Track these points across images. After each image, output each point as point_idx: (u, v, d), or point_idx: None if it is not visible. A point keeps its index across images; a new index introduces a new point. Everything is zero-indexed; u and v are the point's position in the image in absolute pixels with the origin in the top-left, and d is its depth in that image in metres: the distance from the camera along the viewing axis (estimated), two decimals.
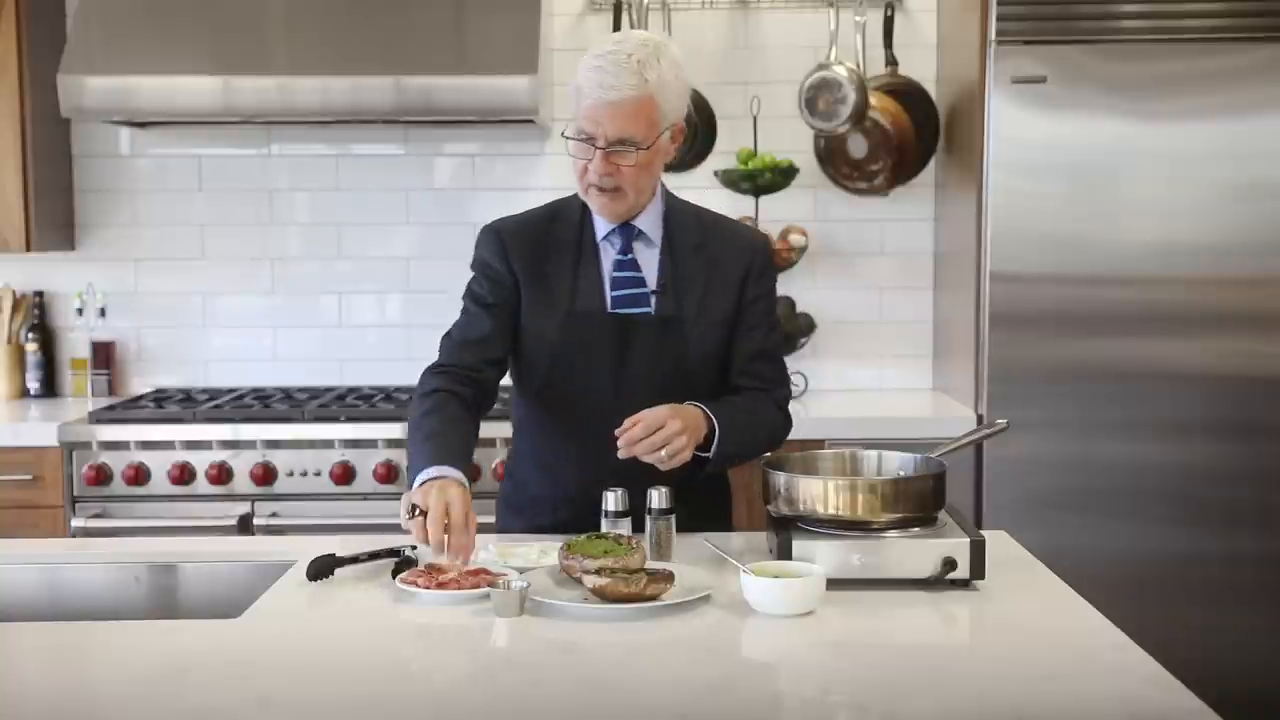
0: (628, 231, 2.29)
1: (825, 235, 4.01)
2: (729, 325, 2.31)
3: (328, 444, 3.45)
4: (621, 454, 2.08)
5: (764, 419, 2.32)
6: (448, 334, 2.33)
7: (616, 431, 2.08)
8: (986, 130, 3.42)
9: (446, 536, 1.93)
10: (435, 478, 2.02)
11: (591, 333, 2.26)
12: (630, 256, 2.29)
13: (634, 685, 1.61)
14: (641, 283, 2.28)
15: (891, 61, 3.90)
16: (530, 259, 2.29)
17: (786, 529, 2.00)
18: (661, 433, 2.07)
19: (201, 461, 3.44)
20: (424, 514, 1.94)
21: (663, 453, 2.06)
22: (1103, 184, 3.42)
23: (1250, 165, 3.40)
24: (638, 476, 2.13)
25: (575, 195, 2.31)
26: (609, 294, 2.28)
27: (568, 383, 2.28)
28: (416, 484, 2.03)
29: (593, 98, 2.15)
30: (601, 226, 2.30)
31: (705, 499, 2.33)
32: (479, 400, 2.27)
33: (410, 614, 1.89)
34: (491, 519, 2.46)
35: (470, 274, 2.35)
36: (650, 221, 2.31)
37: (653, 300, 2.28)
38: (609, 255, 2.30)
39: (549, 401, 2.31)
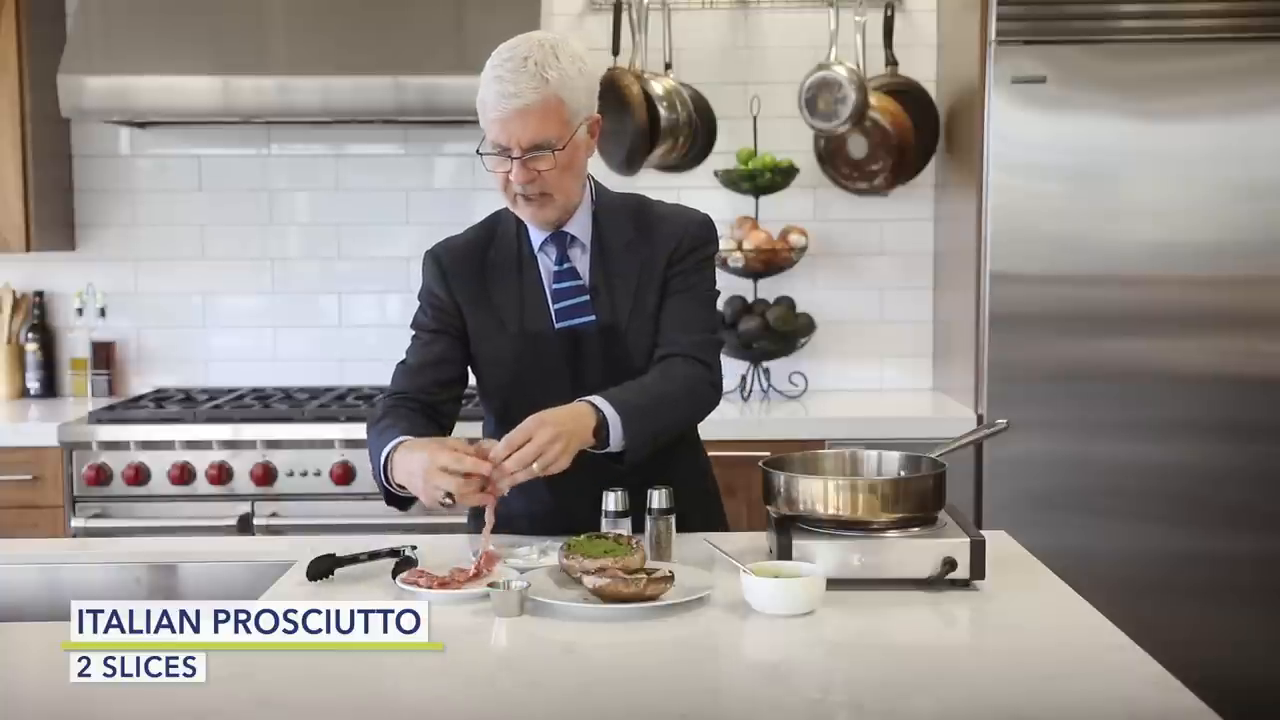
0: (561, 239, 2.25)
1: (825, 235, 4.01)
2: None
3: (328, 444, 3.45)
4: (503, 484, 2.00)
5: (673, 386, 2.19)
6: (401, 362, 2.31)
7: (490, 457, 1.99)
8: (986, 130, 3.42)
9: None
10: (400, 442, 2.07)
11: (543, 350, 2.24)
12: (568, 265, 2.25)
13: (634, 685, 1.61)
14: (582, 290, 2.25)
15: (891, 61, 3.90)
16: (471, 283, 2.27)
17: (786, 529, 2.00)
18: (530, 446, 1.98)
19: (201, 461, 3.44)
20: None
21: (534, 466, 1.98)
22: (1103, 184, 3.42)
23: (1250, 165, 3.40)
24: (607, 486, 2.11)
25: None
26: (552, 307, 2.25)
27: (528, 400, 2.22)
28: (383, 459, 2.08)
29: (498, 109, 2.10)
30: (537, 237, 2.26)
31: (691, 508, 2.26)
32: (433, 419, 2.24)
33: None
34: (462, 520, 2.43)
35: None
36: (580, 226, 2.26)
37: (593, 305, 2.24)
38: (547, 266, 2.26)
39: (513, 422, 2.28)
